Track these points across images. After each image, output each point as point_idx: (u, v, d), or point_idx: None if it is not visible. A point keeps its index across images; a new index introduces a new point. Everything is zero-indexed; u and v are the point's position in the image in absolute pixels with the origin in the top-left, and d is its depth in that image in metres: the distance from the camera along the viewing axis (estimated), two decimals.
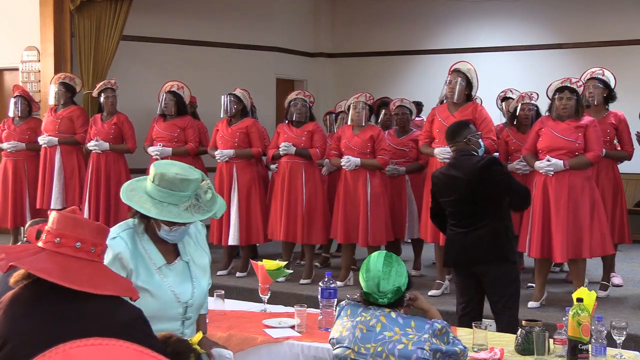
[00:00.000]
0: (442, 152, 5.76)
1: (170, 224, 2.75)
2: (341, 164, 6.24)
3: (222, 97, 6.77)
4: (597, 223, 5.42)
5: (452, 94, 5.79)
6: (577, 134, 5.37)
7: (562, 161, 5.34)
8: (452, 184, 4.40)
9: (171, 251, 2.88)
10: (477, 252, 4.35)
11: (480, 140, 4.53)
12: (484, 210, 4.32)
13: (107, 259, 2.66)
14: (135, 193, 2.76)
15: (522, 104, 6.33)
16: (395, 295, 2.96)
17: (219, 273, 6.72)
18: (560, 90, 5.45)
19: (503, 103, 7.00)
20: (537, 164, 5.44)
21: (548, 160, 5.37)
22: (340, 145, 6.33)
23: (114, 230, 2.78)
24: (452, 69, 5.90)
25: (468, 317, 4.36)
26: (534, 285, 5.89)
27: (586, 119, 5.45)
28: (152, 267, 2.81)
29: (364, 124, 6.28)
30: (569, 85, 5.46)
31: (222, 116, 6.80)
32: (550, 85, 5.64)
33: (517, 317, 4.37)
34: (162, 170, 2.71)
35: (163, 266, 2.83)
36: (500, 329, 4.14)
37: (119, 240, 2.77)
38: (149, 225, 2.81)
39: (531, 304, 5.53)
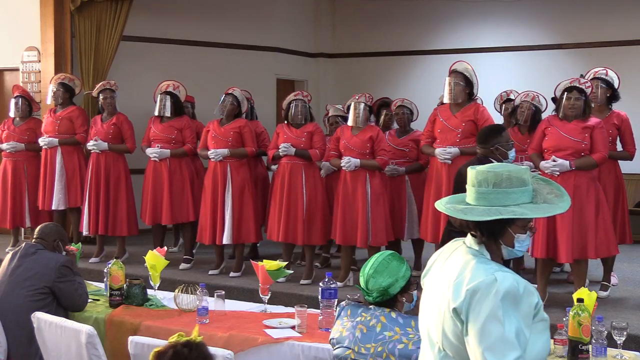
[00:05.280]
0: (443, 153, 5.77)
1: (529, 227, 2.29)
2: (341, 164, 6.23)
3: (222, 96, 6.76)
4: (602, 223, 5.41)
5: (449, 96, 5.81)
6: (583, 135, 5.36)
7: (568, 162, 5.32)
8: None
9: None
10: None
11: (510, 151, 4.45)
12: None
13: (531, 305, 2.15)
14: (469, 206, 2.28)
15: (521, 102, 6.32)
16: (381, 296, 2.96)
17: (210, 272, 6.82)
18: (569, 90, 5.44)
19: (503, 106, 6.98)
20: (543, 164, 5.41)
21: (554, 161, 5.35)
22: (339, 146, 6.31)
23: (489, 269, 2.18)
24: (450, 71, 5.91)
25: None
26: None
27: (593, 120, 5.44)
28: None
29: (362, 125, 6.27)
30: (577, 85, 5.46)
31: (215, 113, 6.80)
32: (559, 84, 5.63)
33: None
34: (507, 170, 2.27)
35: None
36: None
37: (510, 274, 2.18)
38: (492, 249, 2.31)
39: None
